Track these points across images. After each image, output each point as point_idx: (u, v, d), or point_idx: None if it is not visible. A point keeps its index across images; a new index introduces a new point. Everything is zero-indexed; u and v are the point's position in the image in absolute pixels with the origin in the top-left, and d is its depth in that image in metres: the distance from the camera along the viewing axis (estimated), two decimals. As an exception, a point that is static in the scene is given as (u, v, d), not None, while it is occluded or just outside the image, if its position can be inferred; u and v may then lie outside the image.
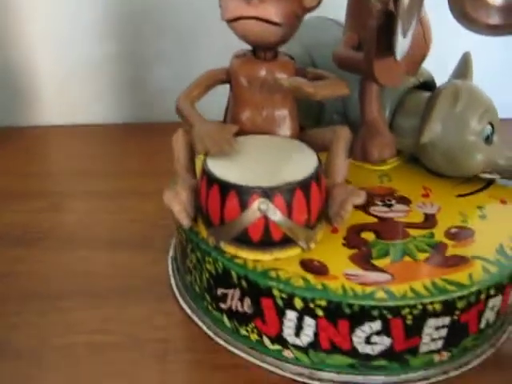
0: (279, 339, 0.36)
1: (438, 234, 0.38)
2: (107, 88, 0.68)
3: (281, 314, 0.35)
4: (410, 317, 0.34)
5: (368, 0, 0.37)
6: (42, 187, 0.54)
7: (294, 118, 0.41)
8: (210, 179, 0.35)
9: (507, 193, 0.43)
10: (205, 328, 0.39)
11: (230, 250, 0.36)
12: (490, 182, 0.44)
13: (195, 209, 0.38)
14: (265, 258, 0.36)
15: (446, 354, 0.36)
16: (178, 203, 0.36)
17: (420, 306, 0.34)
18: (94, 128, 0.67)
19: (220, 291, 0.37)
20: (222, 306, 0.37)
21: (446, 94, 0.41)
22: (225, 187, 0.35)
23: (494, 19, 0.43)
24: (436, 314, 0.34)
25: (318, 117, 0.46)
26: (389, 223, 0.39)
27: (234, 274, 0.36)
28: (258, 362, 0.37)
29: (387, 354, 0.35)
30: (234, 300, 0.36)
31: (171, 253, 0.46)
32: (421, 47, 0.42)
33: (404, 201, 0.41)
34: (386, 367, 0.36)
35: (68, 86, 0.67)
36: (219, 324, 0.38)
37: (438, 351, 0.36)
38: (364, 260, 0.36)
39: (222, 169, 0.36)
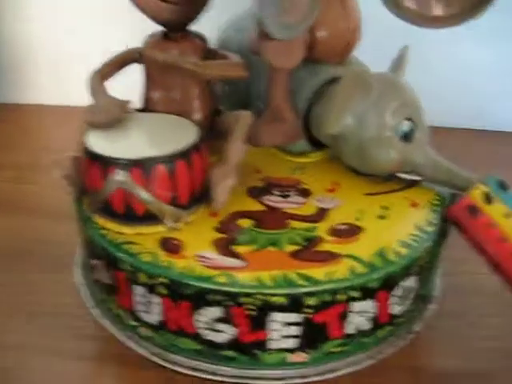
0: (133, 315, 0.35)
1: (321, 229, 0.36)
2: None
3: (131, 289, 0.35)
4: (252, 307, 0.32)
5: None
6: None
7: (204, 100, 0.41)
8: (84, 149, 0.36)
9: (427, 197, 0.39)
10: (84, 298, 0.39)
11: (100, 220, 0.36)
12: (414, 183, 0.41)
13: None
14: (127, 231, 0.35)
15: (304, 356, 0.34)
16: (60, 170, 0.37)
17: (260, 297, 0.32)
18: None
19: (91, 261, 0.38)
20: (94, 276, 0.38)
21: (351, 81, 0.38)
22: (91, 157, 0.35)
23: (435, 10, 0.40)
24: (282, 309, 0.32)
25: (244, 103, 0.45)
26: (274, 213, 0.37)
27: (97, 244, 0.36)
28: (120, 337, 0.37)
29: (234, 344, 0.34)
30: (100, 271, 0.37)
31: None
32: (342, 35, 0.40)
33: (304, 193, 0.39)
34: (235, 359, 0.34)
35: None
36: (95, 295, 0.39)
37: (291, 351, 0.34)
38: (225, 245, 0.34)
39: (96, 140, 0.36)
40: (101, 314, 0.38)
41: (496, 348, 0.39)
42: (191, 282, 0.32)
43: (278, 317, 0.32)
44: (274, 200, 0.39)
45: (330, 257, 0.34)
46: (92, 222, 0.37)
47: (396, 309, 0.36)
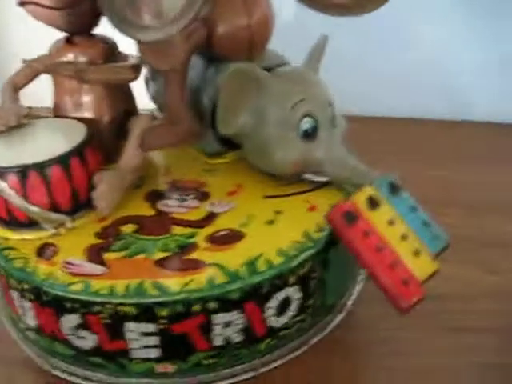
0: (19, 318, 0.36)
1: (200, 235, 0.34)
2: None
3: (8, 294, 0.35)
4: (106, 315, 0.32)
5: None
6: None
7: (111, 102, 0.40)
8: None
9: (330, 200, 0.36)
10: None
11: (-8, 225, 0.37)
12: (322, 185, 0.38)
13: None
14: (12, 236, 0.36)
15: (170, 366, 0.33)
16: None
17: (110, 306, 0.31)
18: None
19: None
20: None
21: (232, 76, 0.36)
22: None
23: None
24: (135, 318, 0.31)
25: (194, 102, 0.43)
26: (160, 218, 0.37)
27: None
28: (15, 338, 0.38)
29: (99, 352, 0.33)
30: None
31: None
32: (243, 30, 0.38)
33: (202, 197, 0.38)
34: (104, 366, 0.34)
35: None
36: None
37: (157, 360, 0.33)
38: (97, 251, 0.34)
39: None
40: (2, 314, 0.39)
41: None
42: (49, 289, 0.32)
43: (133, 326, 0.32)
44: (168, 204, 0.38)
45: (195, 265, 0.32)
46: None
47: (275, 321, 0.33)
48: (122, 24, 0.32)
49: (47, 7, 0.37)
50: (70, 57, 0.40)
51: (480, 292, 0.40)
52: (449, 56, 0.61)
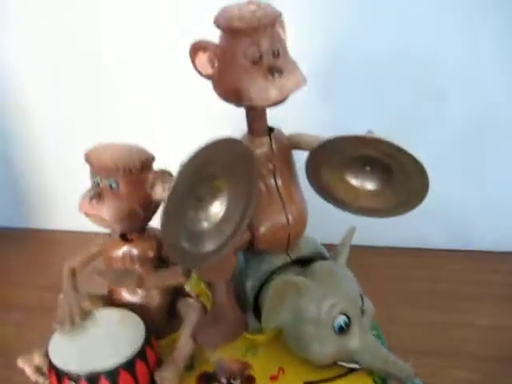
0: None
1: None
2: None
3: None
4: None
5: None
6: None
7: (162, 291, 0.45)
8: (46, 353, 0.42)
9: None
10: None
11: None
12: (351, 370, 0.43)
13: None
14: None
15: None
16: (29, 365, 0.43)
17: None
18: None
19: None
20: None
21: (279, 287, 0.41)
22: (50, 363, 0.41)
23: (364, 202, 0.43)
24: None
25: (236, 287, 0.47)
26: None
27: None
28: None
29: None
30: None
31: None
32: (282, 228, 0.43)
33: (248, 381, 0.43)
34: None
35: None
36: None
37: None
38: None
39: (58, 344, 0.42)
40: None
41: None
42: None
43: None
44: (220, 389, 0.42)
45: None
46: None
47: None
48: (183, 258, 0.38)
49: (106, 220, 0.42)
50: (124, 250, 0.45)
51: None
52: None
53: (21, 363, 0.43)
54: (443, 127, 0.65)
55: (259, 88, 0.38)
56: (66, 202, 0.76)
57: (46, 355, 0.41)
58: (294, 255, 0.45)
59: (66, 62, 0.72)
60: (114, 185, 0.42)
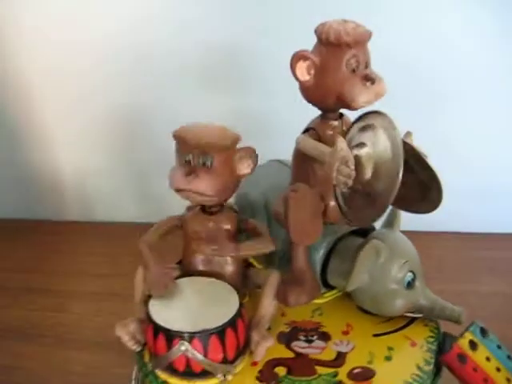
0: None
1: (342, 374, 0.45)
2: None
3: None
4: None
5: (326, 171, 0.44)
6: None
7: (236, 260, 0.50)
8: (148, 319, 0.44)
9: (423, 335, 0.48)
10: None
11: (163, 375, 0.45)
12: (411, 321, 0.50)
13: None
14: (189, 385, 0.44)
15: None
16: (126, 333, 0.46)
17: None
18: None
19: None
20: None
21: (367, 250, 0.47)
22: (156, 329, 0.44)
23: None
24: None
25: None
26: (302, 359, 0.46)
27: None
28: None
29: None
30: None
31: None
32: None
33: (324, 337, 0.48)
34: None
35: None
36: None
37: None
38: (264, 394, 0.43)
39: (158, 310, 0.45)
40: None
41: None
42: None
43: None
44: (300, 346, 0.47)
45: (353, 399, 0.43)
46: (155, 376, 0.45)
47: None
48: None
49: (203, 194, 0.46)
50: (205, 223, 0.49)
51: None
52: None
53: (118, 331, 0.46)
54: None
55: (359, 92, 0.45)
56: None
57: (149, 320, 0.44)
58: (353, 226, 0.52)
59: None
60: (208, 161, 0.45)
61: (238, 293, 0.47)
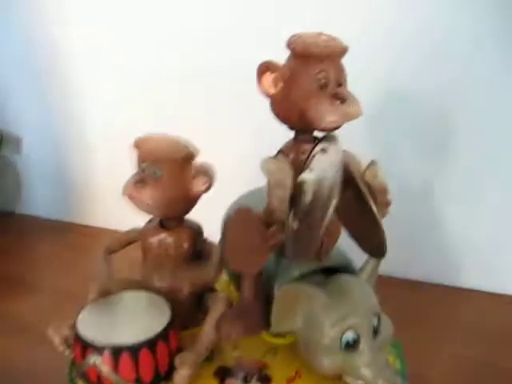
0: None
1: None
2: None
3: None
4: None
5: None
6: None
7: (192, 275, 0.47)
8: (74, 326, 0.43)
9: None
10: None
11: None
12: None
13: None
14: (101, 400, 0.42)
15: None
16: (58, 336, 0.45)
17: None
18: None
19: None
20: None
21: (283, 292, 0.42)
22: (76, 336, 0.42)
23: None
24: None
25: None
26: (228, 398, 0.42)
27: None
28: None
29: None
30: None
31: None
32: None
33: (263, 380, 0.43)
34: None
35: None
36: None
37: None
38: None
39: (87, 319, 0.44)
40: None
41: None
42: None
43: None
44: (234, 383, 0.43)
45: None
46: (73, 383, 0.43)
47: None
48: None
49: (147, 204, 0.44)
50: (161, 237, 0.47)
51: None
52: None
53: (51, 333, 0.45)
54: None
55: (325, 111, 0.40)
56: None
57: (74, 327, 0.43)
58: (323, 263, 0.46)
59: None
60: (158, 173, 0.44)
61: (171, 313, 0.44)
